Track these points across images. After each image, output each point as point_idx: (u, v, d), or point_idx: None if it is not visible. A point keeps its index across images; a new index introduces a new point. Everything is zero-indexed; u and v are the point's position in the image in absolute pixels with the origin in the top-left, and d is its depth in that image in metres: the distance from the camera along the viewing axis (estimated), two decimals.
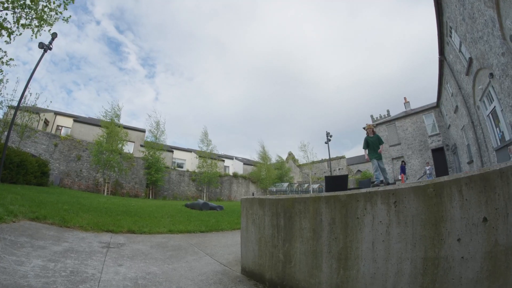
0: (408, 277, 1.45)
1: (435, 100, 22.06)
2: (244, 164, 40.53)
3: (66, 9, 5.13)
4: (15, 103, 15.59)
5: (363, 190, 1.82)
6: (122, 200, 14.89)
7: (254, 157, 39.85)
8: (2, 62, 4.82)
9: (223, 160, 38.32)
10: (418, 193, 1.49)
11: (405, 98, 30.24)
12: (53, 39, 11.79)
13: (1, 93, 16.10)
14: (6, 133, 15.34)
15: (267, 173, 35.60)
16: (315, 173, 43.49)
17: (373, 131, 8.10)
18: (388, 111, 34.00)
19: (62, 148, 22.77)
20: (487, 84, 8.83)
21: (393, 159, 26.26)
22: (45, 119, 27.31)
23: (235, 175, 35.29)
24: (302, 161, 41.77)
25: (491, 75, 8.10)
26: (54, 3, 4.91)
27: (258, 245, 2.80)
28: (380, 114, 34.74)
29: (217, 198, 30.49)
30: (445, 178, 1.43)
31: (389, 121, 28.09)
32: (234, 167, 40.19)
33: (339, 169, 45.28)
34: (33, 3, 4.60)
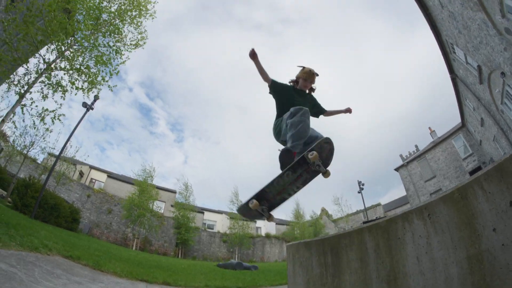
0: (457, 280, 1.54)
1: (459, 120, 21.34)
2: (276, 224, 39.73)
3: (112, 77, 6.18)
4: (55, 152, 17.94)
5: (399, 212, 2.00)
6: (152, 256, 15.17)
7: (288, 216, 39.06)
8: (55, 116, 5.71)
9: (255, 221, 37.95)
10: (446, 201, 1.69)
11: (429, 128, 29.68)
12: (95, 100, 13.61)
13: (44, 140, 18.07)
14: (44, 176, 17.37)
15: (301, 232, 34.59)
16: (351, 226, 41.45)
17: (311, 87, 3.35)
18: (416, 146, 32.95)
19: (94, 200, 24.47)
20: (502, 84, 8.82)
21: (431, 194, 24.66)
22: (81, 171, 30.15)
23: (267, 236, 34.75)
24: (337, 215, 40.14)
25: (503, 74, 8.15)
26: (103, 71, 5.97)
27: (306, 286, 2.87)
28: (409, 152, 33.67)
29: (249, 259, 29.44)
30: (465, 181, 1.62)
31: (419, 156, 27.42)
32: (266, 227, 39.53)
33: (376, 217, 42.76)
34: (86, 69, 5.60)
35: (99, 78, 6.06)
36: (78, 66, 5.74)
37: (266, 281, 6.83)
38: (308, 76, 3.12)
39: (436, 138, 28.00)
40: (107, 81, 6.22)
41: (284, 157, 2.45)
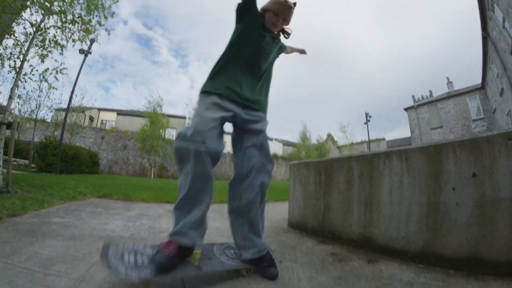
0: (416, 217, 1.93)
1: (479, 81, 20.18)
2: (283, 145, 41.25)
3: (106, 19, 5.74)
4: (62, 105, 18.78)
5: (383, 150, 2.24)
6: (170, 181, 16.63)
7: (295, 138, 40.25)
8: (57, 71, 5.61)
9: None
10: (423, 151, 1.94)
11: (447, 78, 27.88)
12: (91, 44, 12.89)
13: (49, 99, 18.75)
14: (58, 132, 18.38)
15: (306, 154, 36.12)
16: None
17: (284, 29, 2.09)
18: (430, 91, 31.01)
19: (109, 140, 26.23)
20: None
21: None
22: (90, 116, 31.48)
23: (274, 156, 36.48)
24: (341, 142, 41.07)
25: None
26: (97, 15, 5.54)
27: (303, 200, 3.39)
28: (422, 95, 31.83)
29: None
30: (442, 141, 1.82)
31: (431, 102, 26.45)
32: (273, 148, 41.47)
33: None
34: (79, 18, 5.24)
35: (94, 23, 5.52)
36: (71, 18, 5.18)
37: (272, 197, 7.66)
38: (280, 9, 1.87)
39: (452, 90, 26.51)
40: (103, 25, 5.66)
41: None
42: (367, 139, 31.66)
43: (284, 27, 2.05)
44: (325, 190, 3.01)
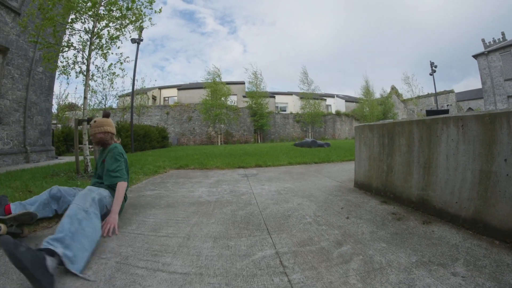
0: (469, 184, 2.01)
1: None
2: (346, 101, 39.18)
3: (152, 3, 6.06)
4: (125, 91, 21.49)
5: (442, 116, 2.30)
6: (237, 147, 17.93)
7: (357, 93, 38.07)
8: (121, 63, 6.31)
9: (325, 99, 38.42)
10: (478, 119, 1.93)
11: None
12: (141, 31, 13.69)
13: (113, 88, 20.98)
14: (125, 116, 20.98)
15: (370, 110, 34.18)
16: (421, 110, 37.74)
17: None
18: (503, 33, 24.53)
19: (174, 114, 28.74)
20: None
21: (508, 96, 20.82)
22: (153, 95, 34.42)
23: (338, 113, 35.49)
24: (406, 95, 37.18)
25: None
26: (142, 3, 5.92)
27: (368, 161, 3.61)
28: (493, 38, 25.42)
29: (321, 137, 31.86)
30: (497, 110, 1.81)
31: (503, 47, 21.23)
32: (336, 105, 39.77)
33: (447, 105, 37.41)
34: (127, 10, 5.70)
35: (143, 9, 5.82)
36: (120, 14, 5.62)
37: (338, 157, 7.90)
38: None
39: None
40: (151, 9, 5.98)
41: None
42: (434, 91, 28.26)
43: None
44: (388, 152, 3.16)
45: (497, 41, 25.48)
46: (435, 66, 25.45)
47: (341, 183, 4.33)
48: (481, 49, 25.92)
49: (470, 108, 37.91)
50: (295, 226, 2.28)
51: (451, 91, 39.48)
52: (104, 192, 2.31)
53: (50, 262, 1.41)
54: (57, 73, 7.28)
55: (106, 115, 2.82)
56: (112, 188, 2.47)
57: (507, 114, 1.76)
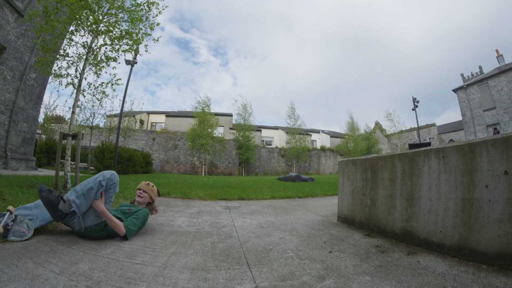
0: (452, 212, 2.08)
1: None
2: (330, 137, 40.75)
3: (153, 30, 6.25)
4: (114, 112, 21.25)
5: (423, 148, 2.38)
6: (221, 178, 17.63)
7: (342, 128, 39.60)
8: (112, 84, 6.29)
9: (310, 135, 39.63)
10: (458, 150, 2.07)
11: (497, 51, 24.35)
12: (136, 54, 14.04)
13: (102, 107, 21.05)
14: (111, 137, 20.66)
15: (355, 145, 35.31)
16: (404, 144, 39.88)
17: None
18: (480, 67, 27.41)
19: (160, 141, 28.54)
20: None
21: (487, 126, 22.53)
22: (141, 119, 34.18)
23: (322, 149, 36.32)
24: (389, 131, 38.97)
25: None
26: (142, 28, 6.05)
27: (351, 195, 3.65)
28: (471, 72, 28.33)
29: (306, 172, 32.18)
30: (476, 140, 1.93)
31: (481, 80, 23.72)
32: (321, 140, 41.23)
33: (429, 138, 40.06)
34: (126, 34, 5.83)
35: (141, 35, 5.96)
36: (119, 34, 5.78)
37: (322, 192, 8.01)
38: None
39: (503, 64, 23.26)
40: (150, 35, 6.16)
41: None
42: (416, 125, 29.68)
43: None
44: (371, 186, 3.20)
45: (475, 75, 27.62)
46: (417, 102, 26.76)
47: (325, 217, 4.30)
48: (460, 83, 28.03)
49: (451, 140, 39.61)
50: (276, 260, 2.20)
51: (433, 125, 41.42)
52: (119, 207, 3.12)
53: (61, 204, 2.46)
54: (49, 79, 7.28)
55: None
56: (119, 218, 2.73)
57: (485, 142, 1.86)
